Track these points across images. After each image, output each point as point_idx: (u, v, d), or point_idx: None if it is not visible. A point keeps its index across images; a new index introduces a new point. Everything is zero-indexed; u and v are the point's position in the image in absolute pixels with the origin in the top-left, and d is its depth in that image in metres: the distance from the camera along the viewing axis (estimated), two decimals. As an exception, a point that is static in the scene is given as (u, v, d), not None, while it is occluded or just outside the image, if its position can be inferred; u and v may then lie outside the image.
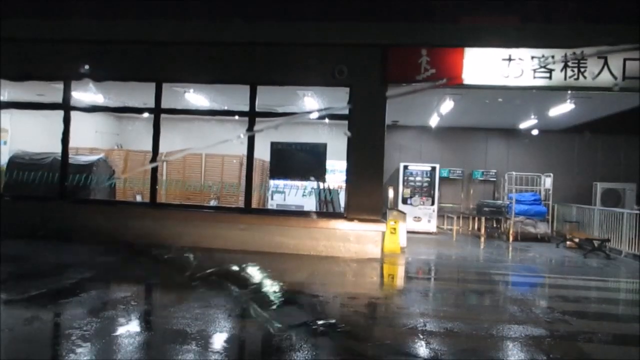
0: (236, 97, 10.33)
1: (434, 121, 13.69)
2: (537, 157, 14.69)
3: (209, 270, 6.85)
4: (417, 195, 14.37)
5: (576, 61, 8.38)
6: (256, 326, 4.89)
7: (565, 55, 8.33)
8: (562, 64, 8.42)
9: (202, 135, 13.66)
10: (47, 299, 5.42)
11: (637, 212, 10.37)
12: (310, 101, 10.71)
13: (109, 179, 11.35)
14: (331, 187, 10.50)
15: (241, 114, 9.68)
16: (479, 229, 13.34)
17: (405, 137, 15.29)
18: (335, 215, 9.49)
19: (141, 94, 10.42)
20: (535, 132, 14.19)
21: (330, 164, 9.91)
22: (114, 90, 11.21)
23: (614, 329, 5.31)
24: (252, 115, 9.33)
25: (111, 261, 7.80)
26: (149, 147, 9.87)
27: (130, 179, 12.23)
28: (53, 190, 9.86)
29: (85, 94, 11.09)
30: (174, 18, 9.34)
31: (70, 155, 10.15)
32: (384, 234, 9.21)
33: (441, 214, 14.68)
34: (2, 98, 10.42)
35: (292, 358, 4.02)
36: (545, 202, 13.61)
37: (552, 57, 8.41)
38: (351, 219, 8.88)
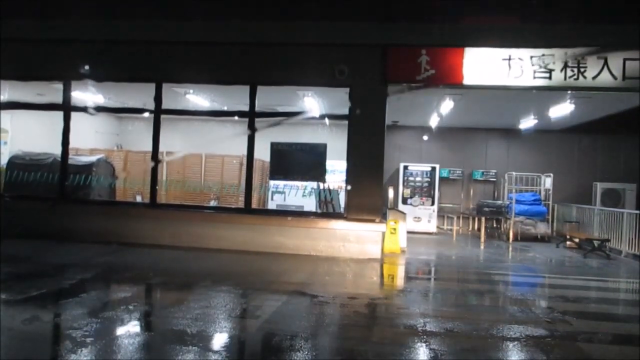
0: (236, 97, 10.33)
1: (434, 121, 13.69)
2: (537, 157, 14.69)
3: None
4: (417, 196, 14.37)
5: (576, 61, 8.38)
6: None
7: (565, 55, 8.33)
8: (562, 64, 8.42)
9: (202, 135, 13.68)
10: (46, 299, 5.43)
11: (637, 212, 10.37)
12: (310, 101, 10.71)
13: (108, 180, 11.35)
14: (331, 187, 10.50)
15: (241, 114, 9.68)
16: (479, 229, 13.33)
17: (405, 137, 15.29)
18: (335, 215, 9.49)
19: (141, 94, 10.42)
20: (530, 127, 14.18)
21: (330, 164, 9.91)
22: (114, 91, 11.21)
23: (614, 329, 5.31)
24: (252, 115, 9.32)
25: (111, 261, 7.79)
26: (149, 147, 9.87)
27: (130, 180, 12.24)
28: (53, 191, 9.86)
29: (86, 94, 11.09)
30: (174, 18, 9.34)
31: (70, 156, 10.14)
32: (384, 234, 9.20)
33: (441, 214, 14.68)
34: (2, 98, 10.42)
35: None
36: (545, 202, 13.62)
37: (552, 57, 8.41)
38: (351, 219, 8.87)
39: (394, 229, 9.74)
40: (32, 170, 10.37)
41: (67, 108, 9.91)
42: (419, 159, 14.99)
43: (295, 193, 11.22)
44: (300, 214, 9.90)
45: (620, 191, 13.69)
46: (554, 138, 14.49)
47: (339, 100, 9.28)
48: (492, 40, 8.56)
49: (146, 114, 11.07)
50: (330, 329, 4.96)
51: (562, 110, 10.80)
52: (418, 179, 14.50)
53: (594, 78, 8.39)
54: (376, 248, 8.86)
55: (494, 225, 14.02)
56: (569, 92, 9.36)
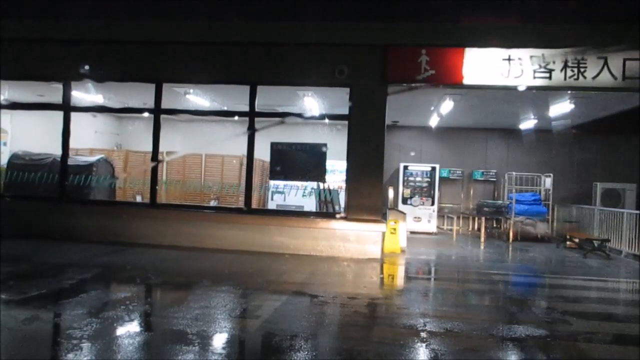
0: (236, 97, 10.33)
1: (434, 121, 13.68)
2: (537, 157, 14.68)
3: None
4: (417, 196, 14.37)
5: (576, 61, 8.38)
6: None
7: (565, 55, 8.33)
8: (562, 64, 8.42)
9: (202, 135, 13.68)
10: (46, 299, 5.43)
11: (637, 212, 10.37)
12: (310, 101, 10.71)
13: (108, 180, 11.35)
14: (331, 187, 10.50)
15: (241, 114, 9.68)
16: (479, 229, 13.33)
17: (405, 137, 15.29)
18: (335, 215, 9.48)
19: (141, 94, 10.42)
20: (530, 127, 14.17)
21: (330, 164, 9.91)
22: (114, 91, 11.21)
23: (614, 329, 5.31)
24: (252, 115, 9.33)
25: (111, 261, 7.79)
26: (149, 147, 9.86)
27: (130, 180, 12.24)
28: (53, 191, 9.86)
29: (86, 94, 11.10)
30: (174, 18, 9.34)
31: (70, 156, 10.14)
32: (384, 234, 9.20)
33: (441, 214, 14.68)
34: (2, 98, 10.42)
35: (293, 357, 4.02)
36: (545, 202, 13.61)
37: (552, 57, 8.41)
38: (351, 219, 8.87)
39: (394, 229, 9.74)
40: (32, 170, 10.37)
41: (67, 108, 9.90)
42: (419, 159, 14.99)
43: (295, 193, 11.22)
44: (300, 214, 9.90)
45: (620, 191, 13.67)
46: (554, 138, 14.47)
47: (339, 100, 9.28)
48: (492, 40, 8.56)
49: (146, 114, 11.08)
50: (330, 329, 4.96)
51: (562, 110, 10.79)
52: (418, 179, 14.50)
53: (594, 78, 8.38)
54: (376, 248, 8.86)
55: (494, 225, 14.02)
56: (569, 92, 9.36)
